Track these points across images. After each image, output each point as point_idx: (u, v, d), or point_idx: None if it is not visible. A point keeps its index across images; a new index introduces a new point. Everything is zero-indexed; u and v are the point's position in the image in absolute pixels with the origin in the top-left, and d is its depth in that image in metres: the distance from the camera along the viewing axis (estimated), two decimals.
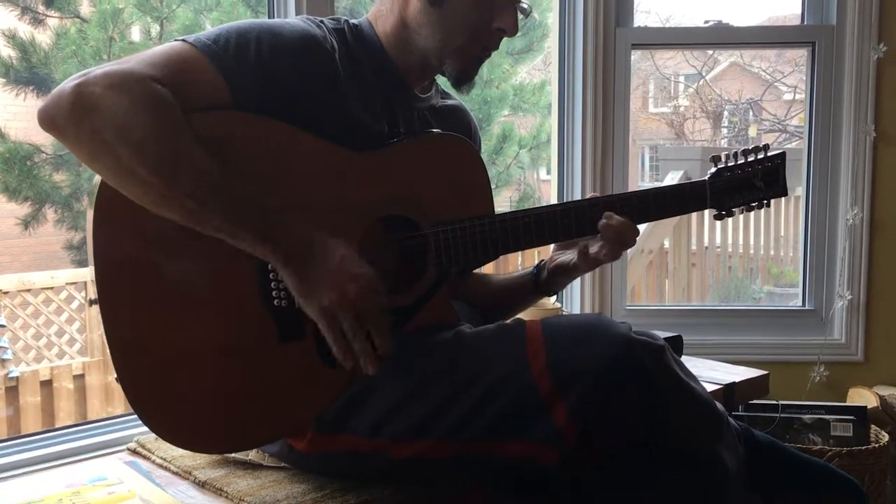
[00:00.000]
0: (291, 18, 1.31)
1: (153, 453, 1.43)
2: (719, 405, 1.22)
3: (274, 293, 1.18)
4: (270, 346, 1.19)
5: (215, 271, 1.17)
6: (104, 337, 1.14)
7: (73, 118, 1.06)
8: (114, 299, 1.14)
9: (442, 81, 1.47)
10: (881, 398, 2.30)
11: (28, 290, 4.27)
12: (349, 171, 1.24)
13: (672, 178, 4.92)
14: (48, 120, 1.08)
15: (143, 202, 1.09)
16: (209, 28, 1.20)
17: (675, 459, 1.13)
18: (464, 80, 1.33)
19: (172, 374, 1.16)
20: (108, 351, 1.15)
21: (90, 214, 1.13)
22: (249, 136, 1.18)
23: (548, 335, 1.15)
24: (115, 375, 1.15)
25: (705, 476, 1.14)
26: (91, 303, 4.16)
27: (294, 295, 1.13)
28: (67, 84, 1.07)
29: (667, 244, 4.86)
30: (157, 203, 1.09)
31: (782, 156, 1.44)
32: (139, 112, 1.06)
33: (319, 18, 1.29)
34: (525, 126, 5.72)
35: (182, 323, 1.16)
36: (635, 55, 2.47)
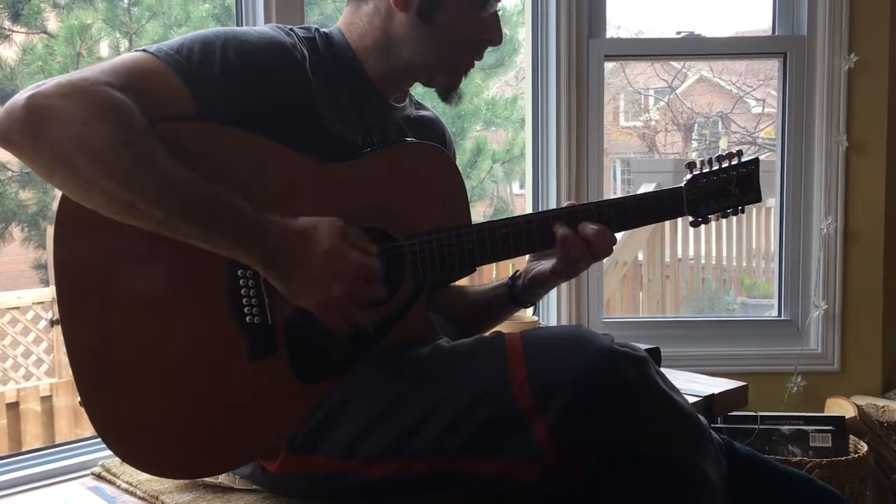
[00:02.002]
0: (260, 26, 1.28)
1: (118, 478, 1.39)
2: (701, 418, 1.21)
3: (246, 309, 1.14)
4: (242, 364, 1.15)
5: (183, 288, 1.13)
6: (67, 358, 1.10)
7: (28, 131, 1.02)
8: (76, 319, 1.10)
9: (419, 93, 1.45)
10: (859, 408, 2.30)
11: None
12: (321, 182, 1.20)
13: (645, 190, 4.94)
14: (1, 134, 1.03)
15: (108, 213, 1.05)
16: None
17: (658, 472, 1.11)
18: (452, 92, 1.34)
19: (138, 396, 1.12)
20: None
21: (51, 231, 1.09)
22: (216, 148, 1.14)
23: (528, 348, 1.13)
24: (79, 398, 1.11)
25: (688, 489, 1.12)
26: (53, 323, 4.07)
27: (284, 296, 1.11)
28: (20, 96, 1.03)
29: (641, 256, 4.88)
30: (123, 213, 1.05)
31: (756, 161, 1.44)
32: (97, 120, 1.02)
33: (289, 26, 1.26)
34: (497, 140, 5.73)
35: (148, 342, 1.12)
36: (607, 68, 2.48)
